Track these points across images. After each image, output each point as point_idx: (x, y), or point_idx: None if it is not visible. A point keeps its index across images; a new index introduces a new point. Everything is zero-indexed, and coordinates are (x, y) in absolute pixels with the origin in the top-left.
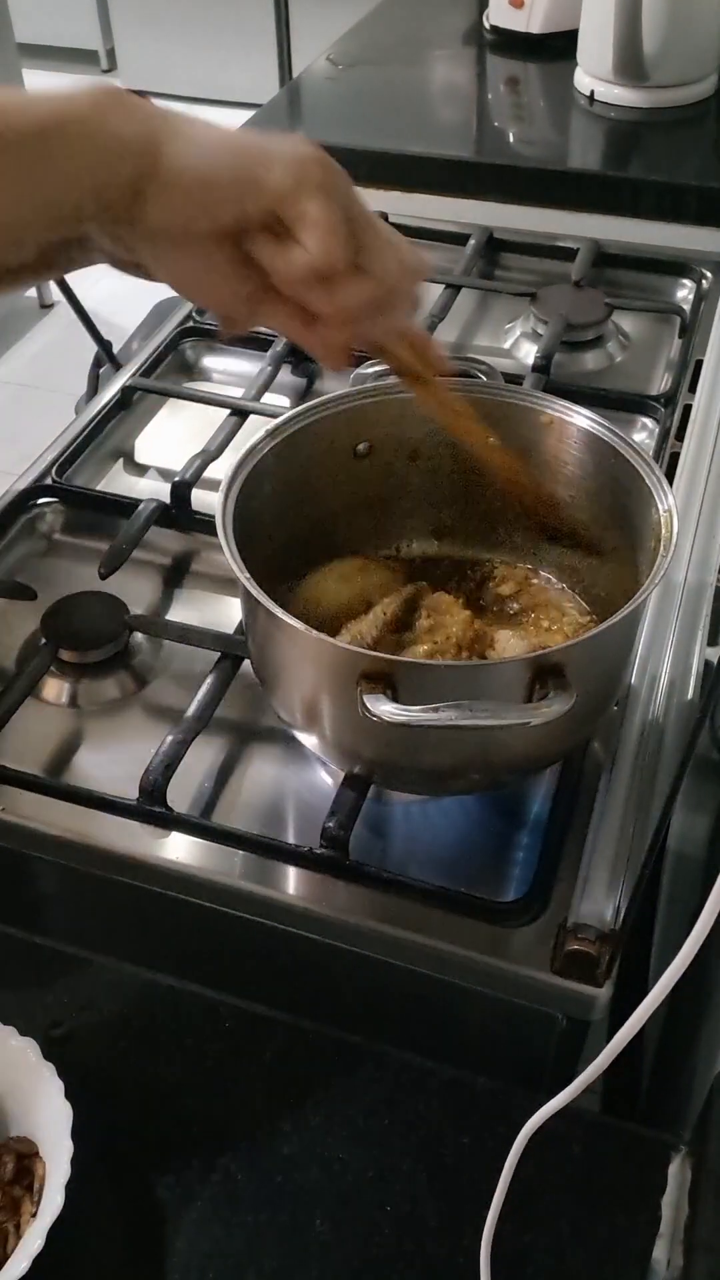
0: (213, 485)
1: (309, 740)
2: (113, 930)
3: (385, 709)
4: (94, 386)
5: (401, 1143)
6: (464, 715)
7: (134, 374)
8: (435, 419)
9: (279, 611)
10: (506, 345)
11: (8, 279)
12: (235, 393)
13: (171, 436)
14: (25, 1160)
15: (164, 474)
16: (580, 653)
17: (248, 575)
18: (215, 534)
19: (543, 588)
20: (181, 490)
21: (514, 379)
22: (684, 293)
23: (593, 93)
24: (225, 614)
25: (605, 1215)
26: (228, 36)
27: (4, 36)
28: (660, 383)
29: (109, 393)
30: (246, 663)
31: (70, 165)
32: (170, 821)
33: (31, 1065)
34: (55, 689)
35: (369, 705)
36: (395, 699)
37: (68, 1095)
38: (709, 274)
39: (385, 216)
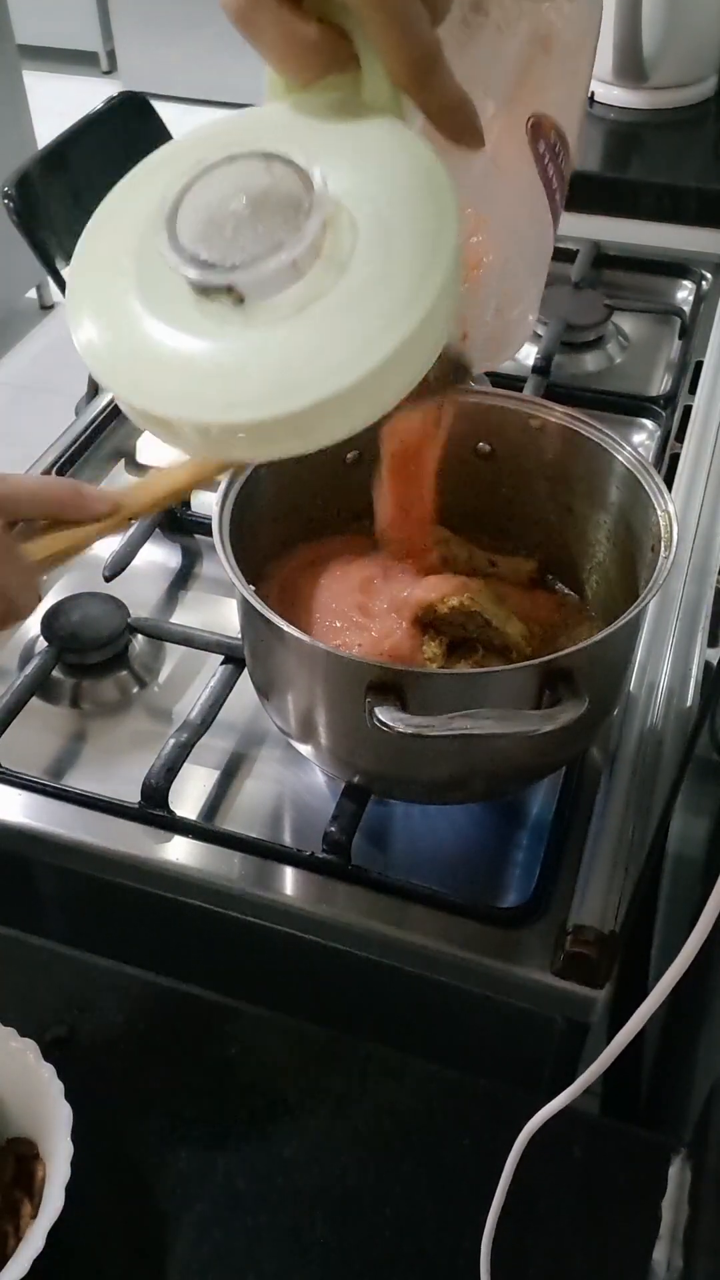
0: (212, 486)
1: (309, 751)
2: (113, 932)
3: (398, 720)
4: (94, 387)
5: (401, 1144)
6: (477, 724)
7: None
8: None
9: (280, 622)
10: None
11: None
12: None
13: None
14: (25, 1162)
15: None
16: (588, 657)
17: (250, 588)
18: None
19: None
20: None
21: (514, 380)
22: (684, 294)
23: (593, 94)
24: (227, 617)
25: (605, 1216)
26: (228, 38)
27: (4, 38)
28: (660, 384)
29: (109, 394)
30: None
31: None
32: (172, 825)
33: (31, 1067)
34: (57, 691)
35: (380, 716)
36: (404, 709)
37: (67, 1097)
38: (709, 275)
39: None
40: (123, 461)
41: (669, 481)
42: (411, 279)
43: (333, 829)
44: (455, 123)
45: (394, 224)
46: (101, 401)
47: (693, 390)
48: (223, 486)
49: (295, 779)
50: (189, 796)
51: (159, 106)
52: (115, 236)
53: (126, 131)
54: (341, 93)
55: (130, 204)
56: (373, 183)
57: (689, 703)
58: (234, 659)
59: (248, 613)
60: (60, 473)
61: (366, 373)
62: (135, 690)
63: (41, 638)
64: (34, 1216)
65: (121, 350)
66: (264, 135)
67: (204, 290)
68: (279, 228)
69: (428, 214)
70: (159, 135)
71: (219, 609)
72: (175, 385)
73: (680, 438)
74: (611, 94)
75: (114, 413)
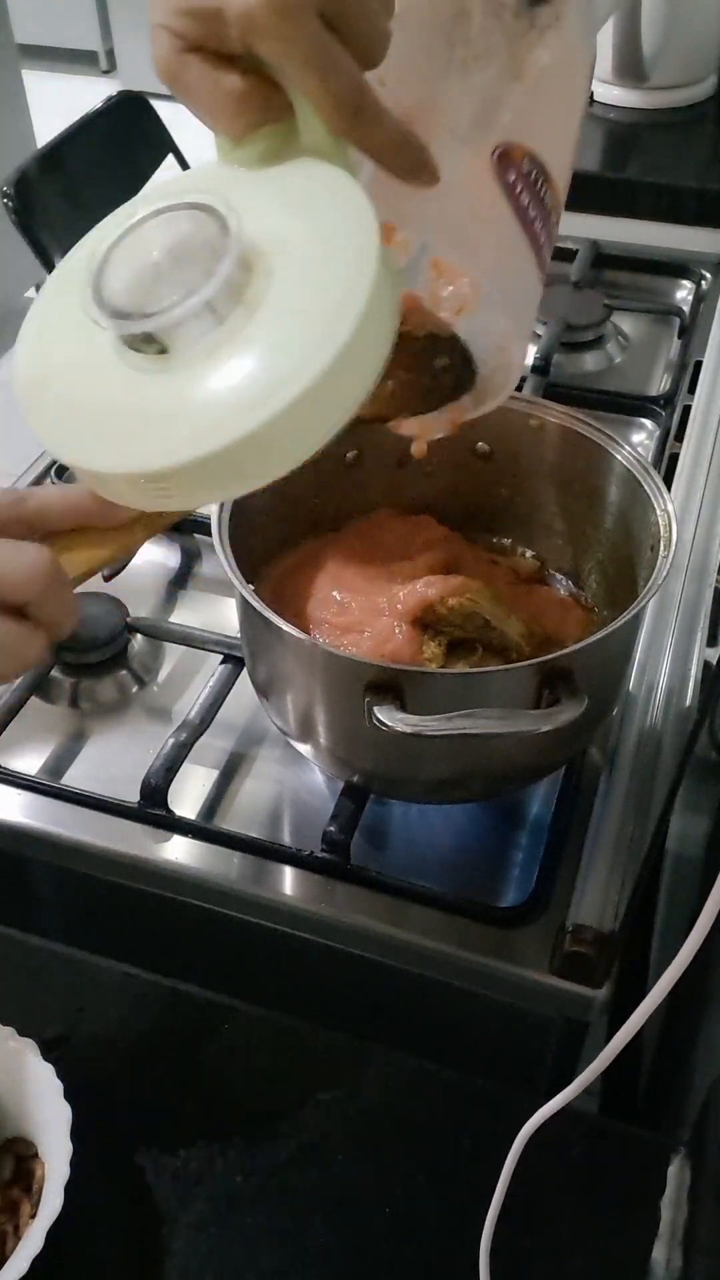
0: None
1: (309, 751)
2: (113, 932)
3: (396, 719)
4: None
5: (400, 1144)
6: (476, 723)
7: None
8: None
9: (280, 621)
10: None
11: None
12: None
13: None
14: (24, 1161)
15: None
16: (587, 656)
17: (250, 588)
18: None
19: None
20: None
21: None
22: (683, 294)
23: (592, 94)
24: (226, 616)
25: (605, 1216)
26: None
27: (4, 37)
28: (659, 384)
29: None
30: None
31: None
32: (171, 824)
33: (30, 1066)
34: (56, 690)
35: (379, 716)
36: (403, 709)
37: (67, 1096)
38: (708, 275)
39: None
40: None
41: (668, 481)
42: (326, 317)
43: (332, 828)
44: (401, 159)
45: (310, 264)
46: None
47: (692, 390)
48: None
49: (294, 779)
50: (188, 796)
51: (158, 106)
52: (66, 293)
53: (126, 131)
54: (282, 142)
55: (80, 262)
56: (292, 224)
57: (688, 702)
58: (233, 659)
59: (247, 612)
60: (59, 474)
61: (281, 410)
62: (134, 690)
63: None
64: (33, 1216)
65: (56, 403)
66: (199, 187)
67: (129, 342)
68: (195, 274)
69: (345, 252)
70: (158, 134)
71: (218, 608)
72: (101, 438)
73: (679, 437)
74: (611, 94)
75: None
